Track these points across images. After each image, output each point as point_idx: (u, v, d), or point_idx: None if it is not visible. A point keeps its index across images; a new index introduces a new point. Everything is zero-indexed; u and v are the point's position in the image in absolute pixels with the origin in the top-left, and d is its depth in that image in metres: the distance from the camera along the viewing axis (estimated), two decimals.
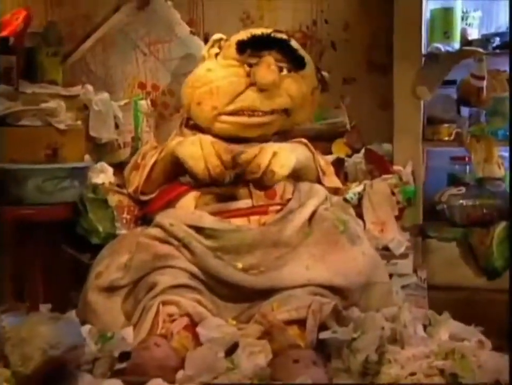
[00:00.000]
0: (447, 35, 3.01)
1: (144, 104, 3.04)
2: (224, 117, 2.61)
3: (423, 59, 2.93)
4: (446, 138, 2.97)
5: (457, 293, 2.77)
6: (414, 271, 2.71)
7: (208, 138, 2.46)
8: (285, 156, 2.41)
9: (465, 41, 3.01)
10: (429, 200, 2.97)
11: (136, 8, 3.14)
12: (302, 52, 2.70)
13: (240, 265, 2.26)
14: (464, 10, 3.09)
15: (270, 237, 2.33)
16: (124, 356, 1.95)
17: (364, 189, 2.71)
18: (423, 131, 2.96)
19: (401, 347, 1.99)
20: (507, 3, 2.76)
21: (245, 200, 2.45)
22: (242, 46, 2.62)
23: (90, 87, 2.81)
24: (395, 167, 2.83)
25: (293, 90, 2.63)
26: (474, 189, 2.93)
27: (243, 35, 2.65)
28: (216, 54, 2.71)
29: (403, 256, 2.65)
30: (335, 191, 2.69)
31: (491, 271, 2.78)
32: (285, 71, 2.62)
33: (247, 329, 2.09)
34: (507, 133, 2.85)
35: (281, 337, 2.02)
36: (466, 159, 3.01)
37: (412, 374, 1.88)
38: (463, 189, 2.92)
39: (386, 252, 2.62)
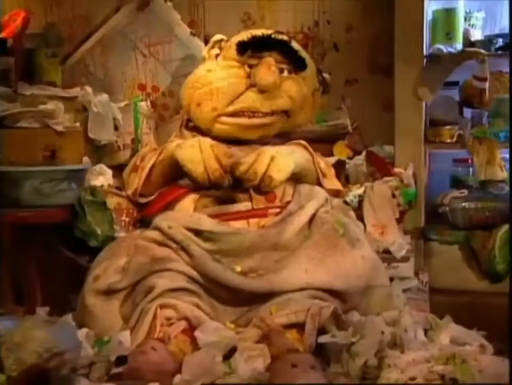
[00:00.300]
0: (449, 36, 2.98)
1: (144, 106, 3.04)
2: (224, 119, 2.60)
3: (425, 60, 2.91)
4: (448, 140, 2.95)
5: (459, 296, 2.75)
6: (416, 274, 2.69)
7: (207, 141, 2.45)
8: (283, 161, 2.40)
9: (467, 42, 2.98)
10: (432, 203, 2.95)
11: (136, 9, 3.14)
12: (303, 53, 2.69)
13: (238, 268, 2.25)
14: (467, 11, 3.06)
15: (269, 240, 2.31)
16: (121, 360, 1.93)
17: (364, 191, 2.70)
18: (424, 133, 2.94)
19: (401, 352, 1.97)
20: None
21: (244, 202, 2.43)
22: (242, 47, 2.61)
23: (89, 89, 2.81)
24: (396, 169, 2.82)
25: (294, 91, 2.62)
26: (477, 191, 2.91)
27: (244, 35, 2.65)
28: (217, 55, 2.70)
29: (404, 259, 2.63)
30: (335, 193, 2.67)
31: (494, 275, 2.76)
32: (285, 73, 2.62)
33: (245, 333, 2.08)
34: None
35: (279, 341, 2.01)
36: (469, 161, 2.98)
37: (412, 378, 1.86)
38: (466, 192, 2.89)
39: (386, 255, 2.61)
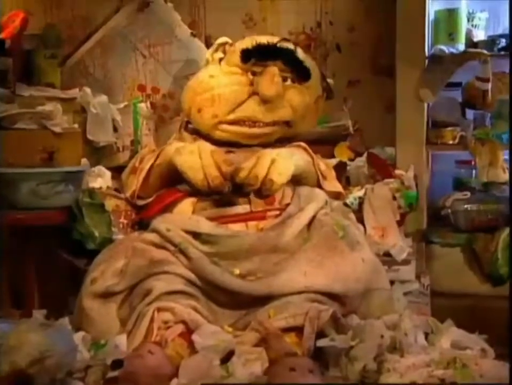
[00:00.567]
0: (451, 37, 2.97)
1: (144, 107, 3.03)
2: (224, 126, 2.60)
3: (427, 61, 2.89)
4: (450, 142, 2.94)
5: (461, 300, 2.73)
6: (417, 277, 2.67)
7: (207, 147, 2.44)
8: (283, 164, 2.38)
9: (470, 43, 2.97)
10: (434, 205, 2.94)
11: (136, 10, 3.13)
12: (308, 62, 2.64)
13: (237, 271, 2.23)
14: (470, 11, 3.04)
15: (268, 243, 2.29)
16: (117, 364, 1.91)
17: (365, 193, 2.68)
18: (426, 135, 2.92)
19: (401, 356, 1.95)
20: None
21: (243, 205, 2.42)
22: (246, 55, 2.58)
23: (87, 90, 2.80)
24: (397, 172, 2.80)
25: (296, 101, 2.60)
26: (479, 193, 2.89)
27: (249, 42, 2.61)
28: (220, 59, 2.68)
29: (405, 262, 2.61)
30: (336, 196, 2.66)
31: (496, 278, 2.74)
32: (289, 81, 2.60)
33: (243, 336, 2.06)
34: None
35: (277, 345, 1.99)
36: (472, 163, 2.97)
37: (412, 383, 1.84)
38: (468, 194, 2.88)
39: (387, 257, 2.58)
